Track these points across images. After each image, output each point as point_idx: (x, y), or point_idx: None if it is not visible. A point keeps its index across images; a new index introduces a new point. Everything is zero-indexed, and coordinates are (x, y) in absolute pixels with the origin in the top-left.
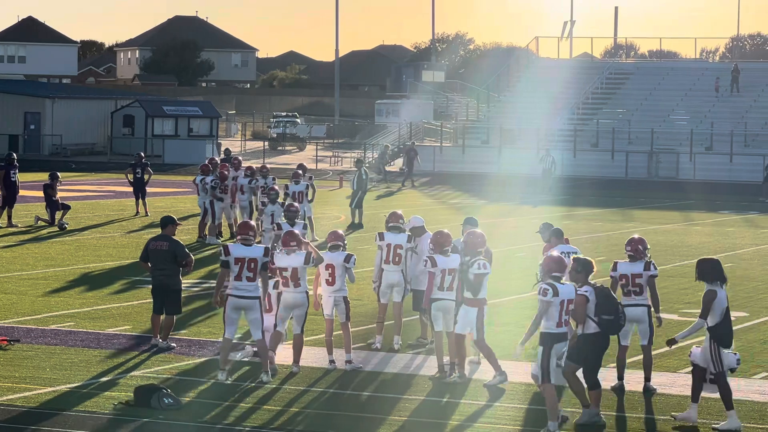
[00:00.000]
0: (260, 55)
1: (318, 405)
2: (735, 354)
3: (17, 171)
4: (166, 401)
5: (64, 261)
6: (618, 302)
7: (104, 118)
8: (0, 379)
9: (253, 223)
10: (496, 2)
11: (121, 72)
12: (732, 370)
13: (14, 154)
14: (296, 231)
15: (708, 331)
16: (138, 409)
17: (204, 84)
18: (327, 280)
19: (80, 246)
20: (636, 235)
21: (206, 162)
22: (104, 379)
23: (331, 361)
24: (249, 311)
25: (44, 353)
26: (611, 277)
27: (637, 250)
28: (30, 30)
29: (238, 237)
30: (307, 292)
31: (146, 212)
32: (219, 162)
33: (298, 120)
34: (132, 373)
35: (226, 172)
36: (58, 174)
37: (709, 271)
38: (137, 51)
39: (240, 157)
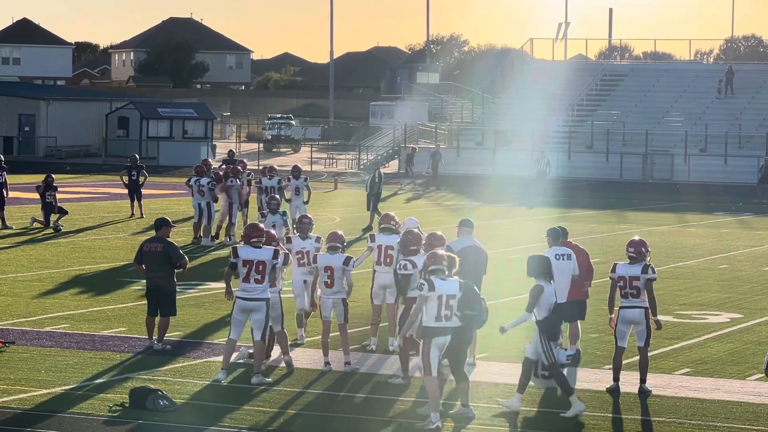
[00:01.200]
0: (255, 56)
1: (313, 407)
2: (565, 350)
3: (5, 173)
4: (161, 403)
5: (59, 263)
6: (481, 299)
7: (99, 119)
8: None
9: (262, 225)
10: (490, 4)
11: (116, 74)
12: (562, 366)
13: (2, 156)
14: (311, 243)
15: (537, 325)
16: (133, 410)
17: (199, 86)
18: (326, 282)
19: (75, 248)
20: (637, 237)
21: (200, 163)
22: (99, 381)
23: (327, 363)
24: (255, 312)
25: (39, 355)
26: (610, 278)
27: (639, 252)
28: (24, 31)
29: (250, 240)
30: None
31: (141, 214)
32: (222, 163)
33: (293, 122)
34: (127, 375)
35: (220, 173)
36: (53, 177)
37: (537, 267)
38: (132, 53)
39: (245, 160)
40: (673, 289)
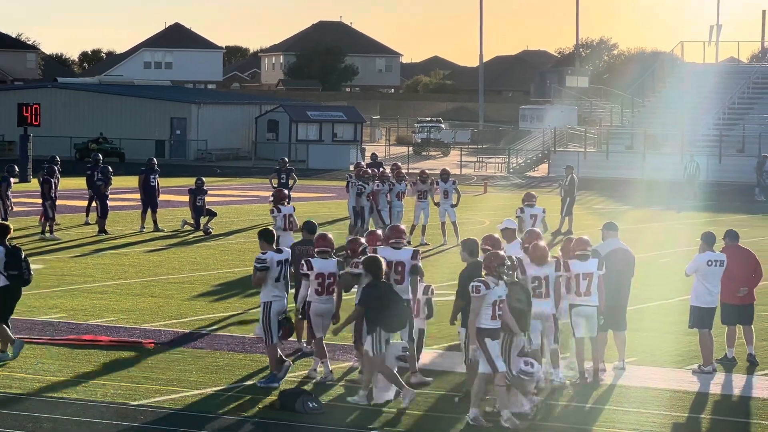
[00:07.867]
0: (404, 60)
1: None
2: None
3: (158, 176)
4: (311, 405)
5: (210, 265)
6: (24, 261)
7: (249, 123)
8: (147, 381)
9: (402, 227)
10: (640, 7)
11: (266, 77)
12: None
13: (154, 159)
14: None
15: None
16: (283, 412)
17: (348, 89)
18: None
19: (225, 250)
20: None
21: (364, 166)
22: (249, 382)
23: None
24: None
25: (191, 356)
26: None
27: None
28: (176, 36)
29: (390, 241)
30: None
31: None
32: (366, 167)
33: (443, 125)
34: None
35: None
36: (204, 180)
37: None
38: (281, 56)
39: (383, 162)
40: None
